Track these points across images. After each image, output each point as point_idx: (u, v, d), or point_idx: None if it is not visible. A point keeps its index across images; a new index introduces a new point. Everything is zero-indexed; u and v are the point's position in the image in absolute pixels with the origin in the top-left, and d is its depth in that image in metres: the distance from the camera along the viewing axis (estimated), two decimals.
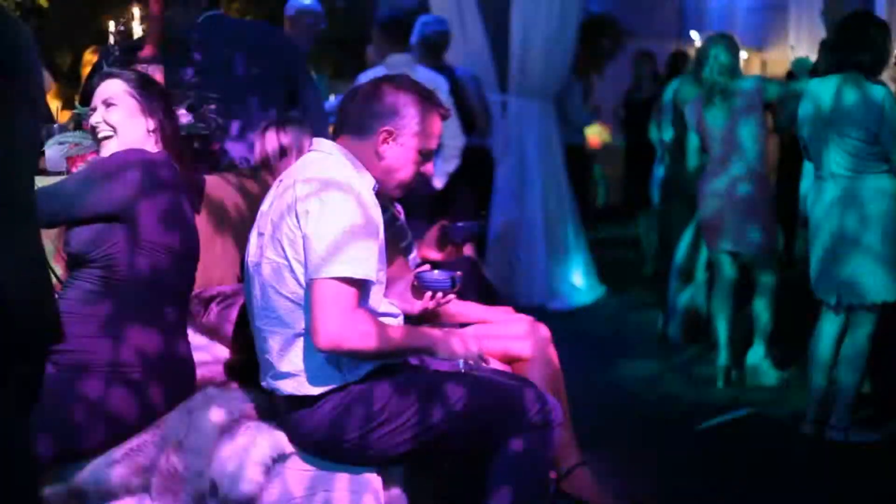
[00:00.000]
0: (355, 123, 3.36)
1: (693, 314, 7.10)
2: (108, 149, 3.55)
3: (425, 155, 3.39)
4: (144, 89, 3.63)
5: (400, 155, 3.35)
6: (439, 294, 3.49)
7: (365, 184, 3.30)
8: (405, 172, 3.38)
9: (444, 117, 3.43)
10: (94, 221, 3.37)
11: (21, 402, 2.40)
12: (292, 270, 3.18)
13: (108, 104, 3.57)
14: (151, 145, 3.57)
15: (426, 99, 3.39)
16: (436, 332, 3.35)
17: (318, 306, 3.10)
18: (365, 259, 3.14)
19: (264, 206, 3.35)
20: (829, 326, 5.17)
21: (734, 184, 6.10)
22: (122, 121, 3.55)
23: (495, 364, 3.74)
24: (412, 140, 3.35)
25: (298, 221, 3.16)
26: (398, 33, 7.16)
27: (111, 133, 3.55)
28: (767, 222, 6.13)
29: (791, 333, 6.25)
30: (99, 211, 3.37)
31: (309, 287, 3.14)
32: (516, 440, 3.23)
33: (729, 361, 6.21)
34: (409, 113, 3.34)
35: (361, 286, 3.17)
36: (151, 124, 3.59)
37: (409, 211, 4.64)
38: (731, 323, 6.30)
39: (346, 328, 3.10)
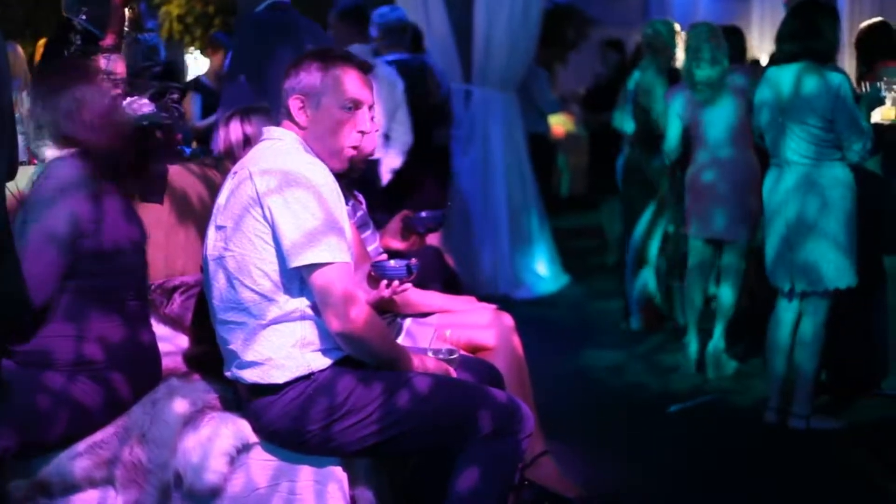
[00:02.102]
0: (283, 107, 3.37)
1: (649, 302, 7.12)
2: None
3: (350, 108, 3.33)
4: None
5: (321, 118, 3.32)
6: (395, 282, 3.47)
7: (319, 163, 3.28)
8: (339, 137, 3.33)
9: (363, 69, 3.39)
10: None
11: None
12: (260, 262, 3.17)
13: None
14: None
15: (325, 56, 3.37)
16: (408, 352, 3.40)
17: (328, 293, 3.12)
18: (338, 243, 3.15)
19: (220, 200, 3.32)
20: (785, 313, 5.22)
21: (699, 171, 6.13)
22: None
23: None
24: (325, 99, 3.32)
25: (264, 213, 3.15)
26: (358, 23, 6.91)
27: None
28: (734, 210, 6.11)
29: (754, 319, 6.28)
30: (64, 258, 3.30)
31: (302, 275, 3.14)
32: (484, 442, 3.21)
33: (699, 344, 6.24)
34: (309, 75, 3.32)
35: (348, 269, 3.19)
36: None
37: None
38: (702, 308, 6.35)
39: (360, 313, 3.14)
